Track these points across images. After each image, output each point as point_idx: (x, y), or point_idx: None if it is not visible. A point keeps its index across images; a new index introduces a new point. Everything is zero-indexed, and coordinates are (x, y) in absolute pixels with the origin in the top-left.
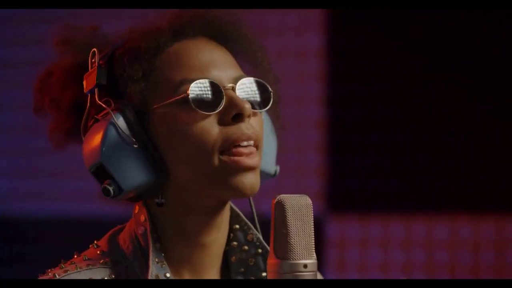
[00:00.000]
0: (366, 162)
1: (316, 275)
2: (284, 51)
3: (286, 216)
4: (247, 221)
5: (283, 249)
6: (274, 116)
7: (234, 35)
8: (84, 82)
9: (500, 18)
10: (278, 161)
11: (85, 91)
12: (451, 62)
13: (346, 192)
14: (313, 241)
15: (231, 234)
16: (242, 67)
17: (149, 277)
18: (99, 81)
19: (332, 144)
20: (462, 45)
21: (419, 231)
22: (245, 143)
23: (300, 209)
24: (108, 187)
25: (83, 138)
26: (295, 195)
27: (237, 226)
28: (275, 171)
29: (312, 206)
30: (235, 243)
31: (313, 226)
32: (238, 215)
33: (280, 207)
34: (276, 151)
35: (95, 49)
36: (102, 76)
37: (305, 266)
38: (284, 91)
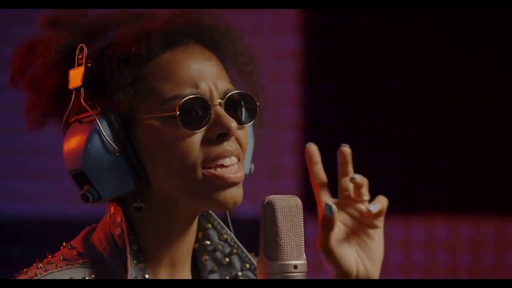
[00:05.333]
0: None
1: (306, 275)
2: (260, 51)
3: (276, 216)
4: (219, 220)
5: (273, 249)
6: (257, 123)
7: (226, 43)
8: (70, 77)
9: (478, 18)
10: (255, 162)
11: (70, 87)
12: (432, 62)
13: None
14: (303, 241)
15: (200, 233)
16: (231, 74)
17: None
18: (86, 82)
19: None
20: (446, 45)
21: (397, 232)
22: (227, 161)
23: (290, 209)
24: (88, 194)
25: (63, 133)
26: (285, 195)
27: (209, 226)
28: (250, 170)
29: (302, 207)
30: (207, 242)
31: (303, 226)
32: (209, 214)
33: (270, 208)
34: (252, 152)
35: (83, 44)
36: (89, 77)
37: (295, 267)
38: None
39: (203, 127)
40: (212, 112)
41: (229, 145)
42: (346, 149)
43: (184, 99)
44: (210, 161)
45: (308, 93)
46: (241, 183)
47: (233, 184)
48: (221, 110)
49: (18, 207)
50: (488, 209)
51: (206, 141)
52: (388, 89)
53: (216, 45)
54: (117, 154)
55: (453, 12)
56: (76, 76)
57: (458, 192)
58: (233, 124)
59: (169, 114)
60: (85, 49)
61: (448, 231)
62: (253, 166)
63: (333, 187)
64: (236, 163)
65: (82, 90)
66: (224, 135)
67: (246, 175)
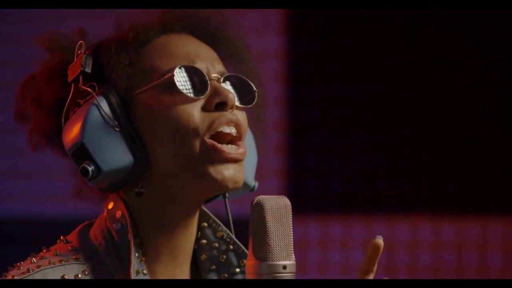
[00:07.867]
0: (327, 163)
1: (295, 276)
2: None
3: (265, 217)
4: (215, 218)
5: (262, 250)
6: (256, 121)
7: (222, 38)
8: (69, 73)
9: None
10: None
11: (69, 80)
12: (415, 63)
13: (306, 193)
14: (292, 242)
15: (199, 232)
16: (227, 69)
17: (131, 272)
18: (84, 68)
19: (292, 145)
20: (428, 45)
21: (380, 232)
22: (227, 129)
23: (279, 210)
24: (87, 167)
25: (64, 126)
26: (274, 196)
27: (205, 224)
28: (254, 186)
29: (290, 207)
30: (204, 241)
31: (292, 227)
32: (205, 212)
33: (259, 208)
34: (255, 167)
35: (82, 41)
36: (88, 63)
37: (284, 267)
38: None
39: (200, 95)
40: (209, 85)
41: (228, 114)
42: (380, 241)
43: (180, 65)
44: (207, 129)
45: (292, 93)
46: (242, 163)
47: (232, 160)
48: (217, 84)
49: (18, 207)
50: (472, 210)
51: (204, 111)
52: (372, 89)
53: (212, 39)
54: (116, 128)
55: (452, 12)
56: (74, 68)
57: (442, 192)
58: (231, 94)
59: (166, 77)
60: (84, 45)
61: (432, 231)
62: (257, 184)
63: (318, 188)
64: (236, 135)
65: (80, 78)
66: (223, 104)
67: (250, 189)
